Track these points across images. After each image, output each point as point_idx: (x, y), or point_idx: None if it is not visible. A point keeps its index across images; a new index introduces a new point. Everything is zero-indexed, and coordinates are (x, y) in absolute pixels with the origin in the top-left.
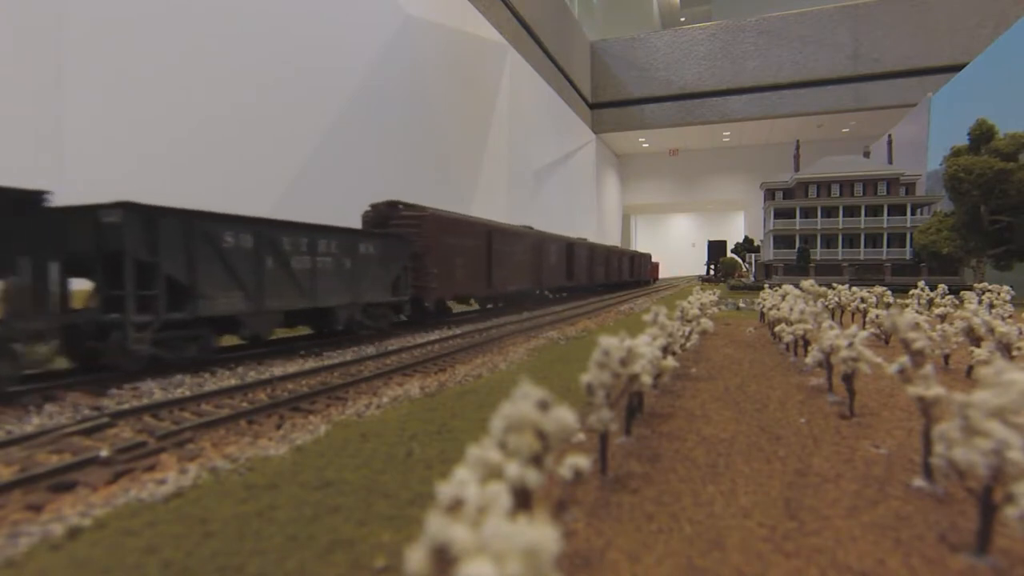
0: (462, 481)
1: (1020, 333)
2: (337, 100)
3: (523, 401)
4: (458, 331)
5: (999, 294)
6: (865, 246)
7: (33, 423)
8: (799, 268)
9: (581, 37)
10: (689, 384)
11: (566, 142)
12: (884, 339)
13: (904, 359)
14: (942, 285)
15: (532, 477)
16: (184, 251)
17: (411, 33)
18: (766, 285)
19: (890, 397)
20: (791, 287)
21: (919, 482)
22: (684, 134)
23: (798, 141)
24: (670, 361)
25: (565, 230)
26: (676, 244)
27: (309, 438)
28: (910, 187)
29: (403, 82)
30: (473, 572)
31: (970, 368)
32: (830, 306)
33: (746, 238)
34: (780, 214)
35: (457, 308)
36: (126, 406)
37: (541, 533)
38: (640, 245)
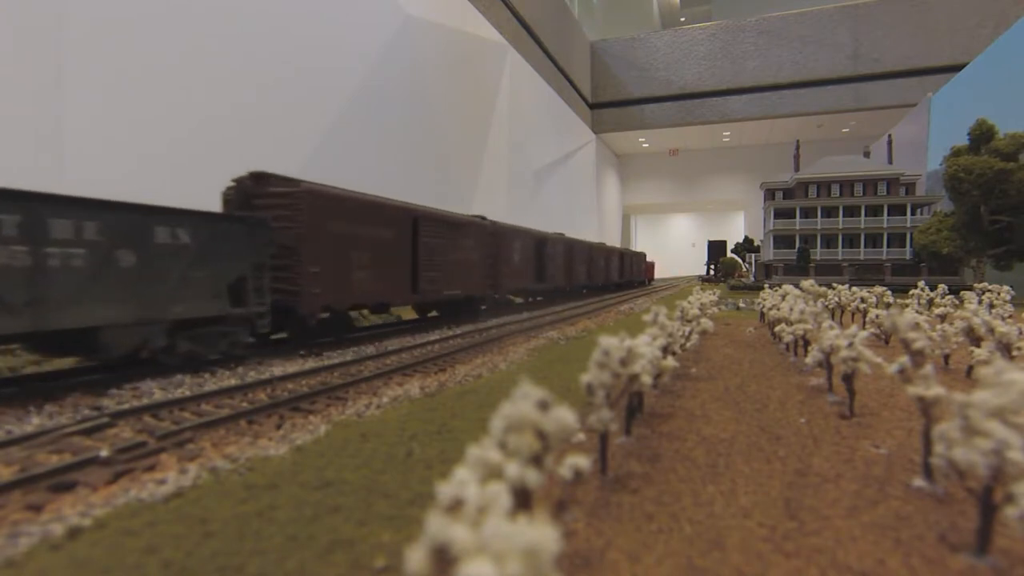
0: (462, 481)
1: (1020, 333)
2: (337, 100)
3: (523, 401)
4: (458, 331)
5: (999, 294)
6: (865, 246)
7: (33, 423)
8: (799, 268)
9: (581, 37)
10: (689, 384)
11: (566, 142)
12: (884, 339)
13: (904, 359)
14: (942, 285)
15: (532, 477)
16: None
17: (411, 33)
18: (766, 285)
19: (890, 397)
20: (791, 287)
21: (919, 482)
22: (684, 134)
23: (798, 141)
24: (670, 361)
25: (565, 230)
26: (676, 244)
27: (309, 438)
28: (910, 187)
29: (403, 82)
30: (473, 572)
31: (970, 368)
32: (830, 306)
33: (746, 238)
34: (780, 214)
35: (375, 320)
36: (126, 406)
37: (541, 533)
38: (640, 245)
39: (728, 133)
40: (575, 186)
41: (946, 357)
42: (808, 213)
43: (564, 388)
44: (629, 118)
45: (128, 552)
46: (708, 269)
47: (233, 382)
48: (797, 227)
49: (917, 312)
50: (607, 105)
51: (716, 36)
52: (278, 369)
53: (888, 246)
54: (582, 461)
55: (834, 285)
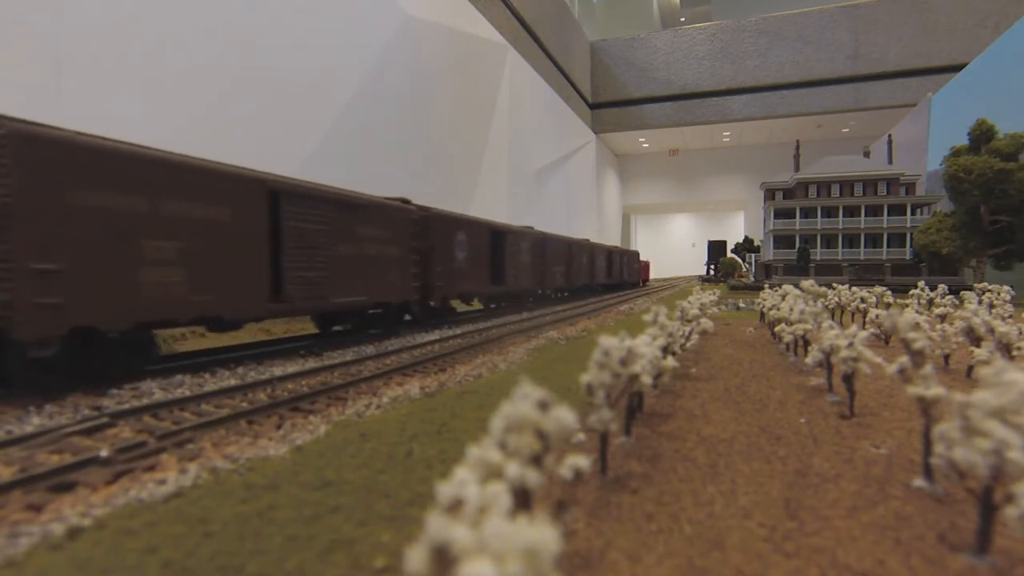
0: (462, 481)
1: (1020, 333)
2: (336, 100)
3: (523, 401)
4: (458, 331)
5: (999, 294)
6: (865, 246)
7: (33, 423)
8: (799, 268)
9: (581, 37)
10: (689, 384)
11: (566, 142)
12: (884, 339)
13: (904, 359)
14: (942, 285)
15: (532, 477)
16: None
17: (411, 33)
18: (766, 285)
19: (890, 397)
20: (791, 287)
21: (919, 482)
22: (684, 134)
23: (798, 141)
24: (670, 361)
25: (565, 230)
26: (676, 244)
27: (309, 438)
28: (910, 187)
29: (403, 82)
30: (473, 572)
31: (970, 368)
32: (830, 306)
33: (746, 238)
34: (780, 214)
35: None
36: (126, 406)
37: (541, 533)
38: (640, 245)
39: (728, 133)
40: (575, 186)
41: (946, 357)
42: (808, 213)
43: (564, 388)
44: (629, 118)
45: (128, 552)
46: (708, 269)
47: (233, 382)
48: (797, 227)
49: (917, 312)
50: (607, 105)
51: (716, 36)
52: (278, 369)
53: (888, 246)
54: (582, 461)
55: (834, 285)
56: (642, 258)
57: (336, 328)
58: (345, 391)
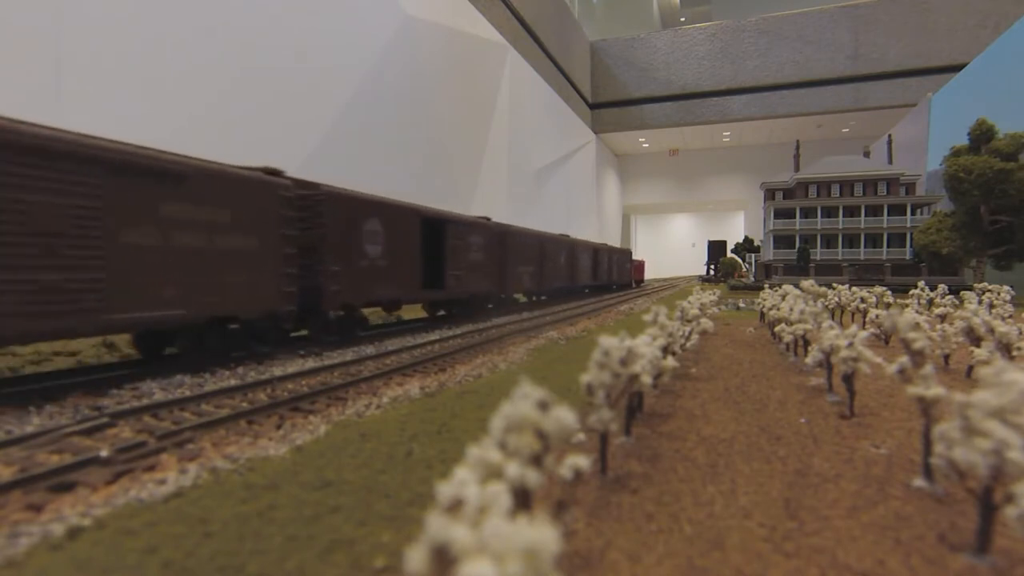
0: (462, 481)
1: (1020, 333)
2: (337, 100)
3: (523, 401)
4: (458, 331)
5: (999, 294)
6: (865, 246)
7: (33, 423)
8: (799, 268)
9: (581, 37)
10: (689, 384)
11: (566, 142)
12: (884, 339)
13: (904, 359)
14: (942, 285)
15: (532, 477)
16: None
17: (411, 33)
18: (766, 285)
19: (890, 397)
20: (791, 287)
21: (919, 482)
22: (684, 134)
23: (798, 141)
24: (670, 361)
25: (565, 230)
26: (676, 244)
27: (309, 438)
28: (910, 187)
29: (403, 82)
30: (473, 572)
31: (970, 368)
32: (830, 306)
33: (746, 238)
34: (780, 214)
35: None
36: (126, 406)
37: (541, 533)
38: (640, 245)
39: (728, 133)
40: (575, 186)
41: (946, 357)
42: (808, 213)
43: (564, 388)
44: (629, 118)
45: (128, 552)
46: (708, 269)
47: (233, 382)
48: (797, 227)
49: (917, 312)
50: (607, 105)
51: (716, 36)
52: (278, 369)
53: (888, 246)
54: (582, 461)
55: (834, 285)
56: (638, 257)
57: (169, 351)
58: (345, 391)
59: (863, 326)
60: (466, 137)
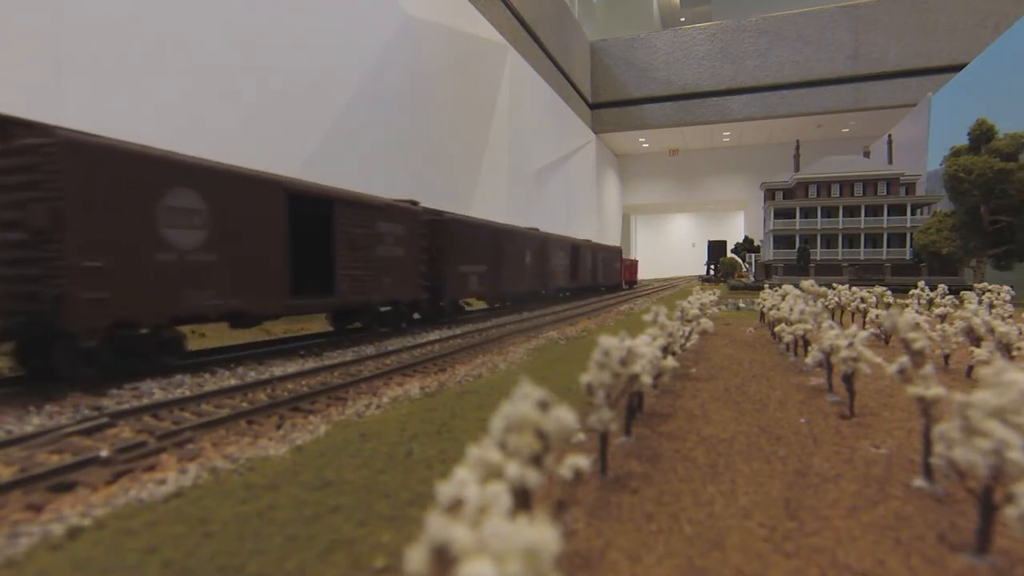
0: (462, 481)
1: (1020, 333)
2: (337, 100)
3: (523, 401)
4: (458, 331)
5: (999, 294)
6: (865, 246)
7: (33, 423)
8: (799, 268)
9: (581, 37)
10: (689, 384)
11: (566, 142)
12: (884, 339)
13: (904, 359)
14: (942, 285)
15: (532, 477)
16: None
17: (411, 33)
18: (766, 285)
19: (890, 397)
20: (791, 287)
21: (919, 482)
22: (684, 134)
23: (798, 141)
24: (670, 361)
25: (565, 230)
26: (676, 244)
27: (309, 438)
28: (910, 187)
29: (403, 82)
30: (473, 572)
31: (970, 368)
32: (830, 306)
33: (746, 238)
34: (780, 214)
35: None
36: (126, 406)
37: (541, 533)
38: (640, 245)
39: (728, 133)
40: (575, 186)
41: (946, 357)
42: (808, 213)
43: (564, 388)
44: (629, 118)
45: (128, 552)
46: (708, 269)
47: (233, 382)
48: (797, 227)
49: (917, 312)
50: (607, 105)
51: (716, 36)
52: (278, 369)
53: (888, 246)
54: (582, 461)
55: (834, 285)
56: (635, 256)
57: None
58: (345, 391)
59: (863, 326)
60: (466, 137)
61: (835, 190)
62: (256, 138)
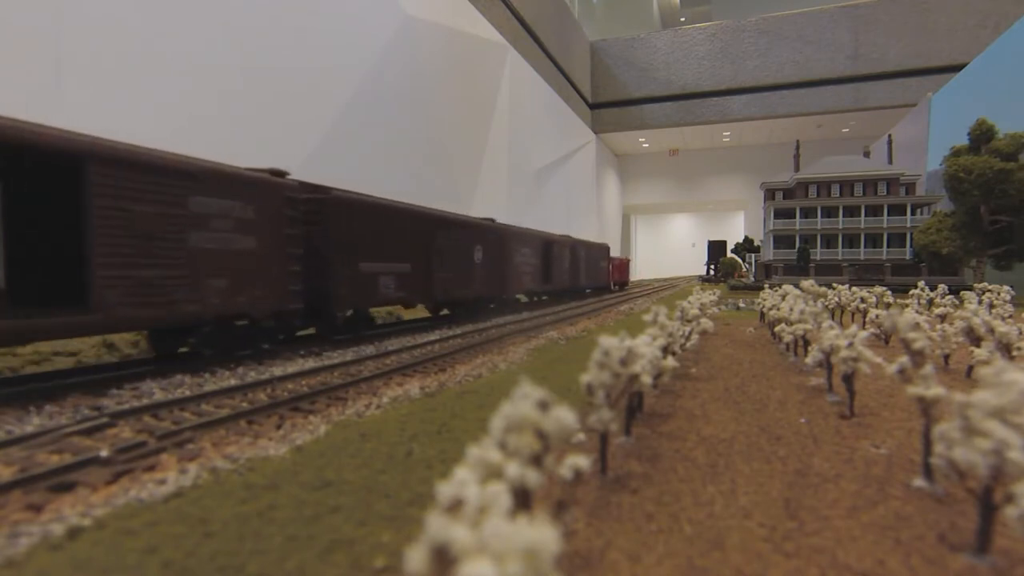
0: (462, 481)
1: (1020, 333)
2: (337, 100)
3: (523, 401)
4: (458, 331)
5: (999, 294)
6: (865, 246)
7: (33, 423)
8: (799, 268)
9: (581, 37)
10: (689, 384)
11: (566, 142)
12: (884, 339)
13: (904, 359)
14: (942, 285)
15: (532, 477)
16: None
17: (411, 33)
18: (766, 285)
19: (890, 397)
20: (791, 287)
21: (919, 482)
22: (684, 134)
23: (798, 141)
24: (670, 361)
25: (566, 230)
26: (676, 244)
27: (309, 438)
28: (910, 187)
29: (403, 82)
30: (473, 572)
31: (970, 368)
32: (830, 306)
33: (746, 238)
34: (780, 214)
35: None
36: (126, 406)
37: (541, 533)
38: (640, 245)
39: (728, 133)
40: (575, 186)
41: (946, 357)
42: (808, 213)
43: (564, 388)
44: (629, 118)
45: (128, 552)
46: (708, 269)
47: (233, 382)
48: (797, 227)
49: (917, 312)
50: (607, 105)
51: (716, 36)
52: (278, 369)
53: (888, 246)
54: (582, 461)
55: (834, 285)
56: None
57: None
58: (345, 391)
59: (863, 326)
60: (466, 137)
61: (835, 190)
62: (256, 138)
